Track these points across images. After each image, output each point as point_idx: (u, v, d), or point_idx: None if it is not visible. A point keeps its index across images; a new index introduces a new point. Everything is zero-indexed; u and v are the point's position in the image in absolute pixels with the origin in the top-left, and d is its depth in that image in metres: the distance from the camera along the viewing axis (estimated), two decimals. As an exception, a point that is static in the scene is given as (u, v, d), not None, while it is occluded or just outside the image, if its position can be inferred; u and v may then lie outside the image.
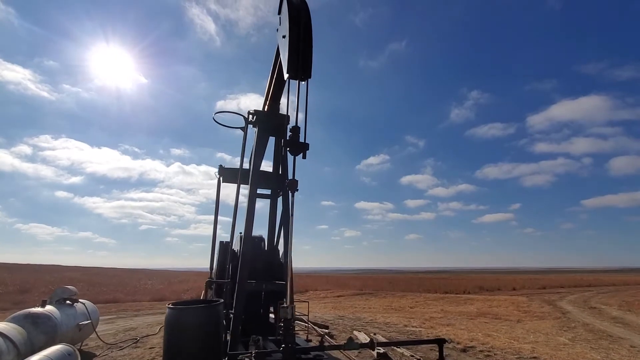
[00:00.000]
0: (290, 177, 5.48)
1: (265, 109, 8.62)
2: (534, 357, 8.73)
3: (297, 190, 5.41)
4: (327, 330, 11.60)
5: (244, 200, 7.89)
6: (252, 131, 8.59)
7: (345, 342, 4.99)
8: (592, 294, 31.21)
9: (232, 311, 6.61)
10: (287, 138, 5.47)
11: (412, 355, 8.21)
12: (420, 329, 12.93)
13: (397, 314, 17.58)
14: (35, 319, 7.01)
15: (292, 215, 5.41)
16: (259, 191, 8.78)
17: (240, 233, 7.90)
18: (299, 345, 6.58)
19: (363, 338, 10.50)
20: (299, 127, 5.47)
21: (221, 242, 8.94)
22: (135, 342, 9.88)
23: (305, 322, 11.73)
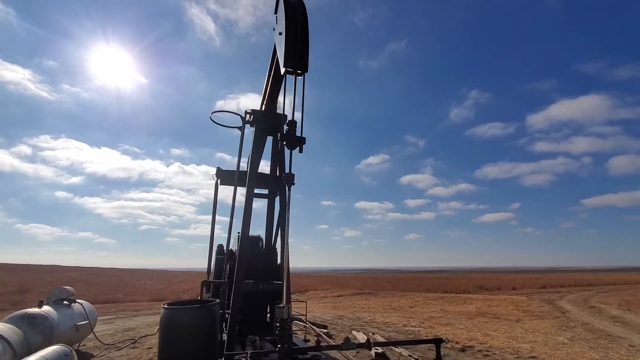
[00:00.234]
0: (287, 171, 5.55)
1: (263, 109, 8.61)
2: (533, 357, 8.72)
3: (294, 184, 5.46)
4: (325, 330, 11.59)
5: (242, 200, 7.87)
6: (250, 131, 8.59)
7: (342, 342, 4.97)
8: (592, 293, 31.20)
9: (229, 311, 6.60)
10: (284, 132, 5.56)
11: (410, 355, 8.19)
12: (419, 328, 12.91)
13: (397, 314, 17.56)
14: (31, 319, 6.99)
15: (288, 209, 5.42)
16: (257, 190, 8.76)
17: (238, 233, 7.89)
18: (296, 345, 6.58)
19: (362, 338, 10.47)
20: (296, 121, 5.56)
21: (219, 245, 8.94)
22: (133, 343, 9.87)
23: (303, 322, 11.72)
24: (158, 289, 31.08)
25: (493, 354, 9.03)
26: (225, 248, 8.32)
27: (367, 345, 5.12)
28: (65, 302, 8.51)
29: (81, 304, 8.97)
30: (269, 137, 8.66)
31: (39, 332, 6.91)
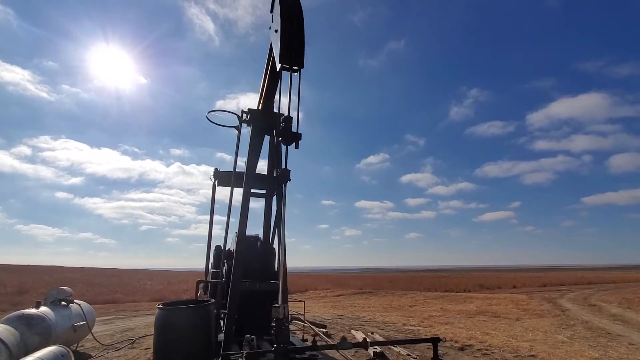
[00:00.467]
0: (286, 168, 5.56)
1: (260, 108, 8.59)
2: (532, 355, 8.70)
3: (289, 179, 5.48)
4: (324, 330, 11.57)
5: (240, 200, 7.84)
6: (248, 131, 8.56)
7: (339, 341, 4.96)
8: (593, 292, 31.16)
9: (225, 311, 6.58)
10: (280, 128, 5.58)
11: (409, 354, 8.17)
12: (419, 327, 12.89)
13: (396, 313, 17.55)
14: (29, 320, 6.97)
15: (284, 206, 5.41)
16: (254, 190, 8.74)
17: (236, 232, 7.87)
18: (294, 345, 6.56)
19: (360, 337, 10.46)
20: (292, 117, 5.58)
21: (217, 246, 8.92)
22: (132, 343, 9.85)
23: (302, 322, 11.70)
24: (158, 289, 31.09)
25: (492, 352, 9.01)
26: (223, 248, 8.30)
27: (364, 344, 5.10)
28: (63, 302, 8.49)
29: (79, 305, 8.94)
30: (266, 136, 8.64)
31: (36, 333, 6.89)
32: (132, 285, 33.94)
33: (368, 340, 9.85)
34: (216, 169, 8.95)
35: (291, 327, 12.03)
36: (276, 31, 6.09)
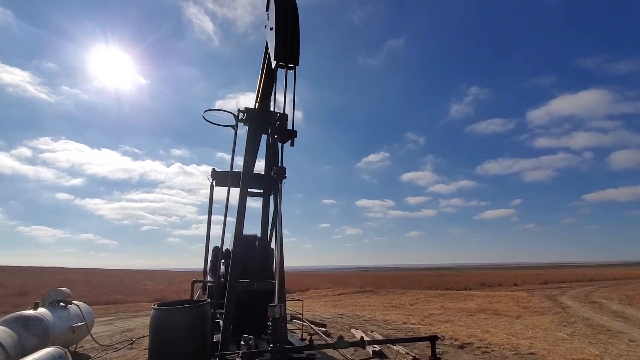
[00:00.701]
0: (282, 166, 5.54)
1: (256, 107, 8.56)
2: (532, 353, 8.67)
3: (285, 177, 5.45)
4: (324, 329, 11.55)
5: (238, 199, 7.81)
6: (245, 130, 8.53)
7: (335, 340, 4.93)
8: (594, 289, 31.12)
9: (222, 311, 6.56)
10: (275, 126, 5.57)
11: (408, 353, 8.15)
12: (419, 326, 12.87)
13: (397, 311, 17.53)
14: (26, 321, 6.95)
15: (280, 203, 5.39)
16: (252, 190, 8.70)
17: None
18: (292, 345, 6.53)
19: (360, 336, 10.44)
20: (287, 115, 5.58)
21: (216, 247, 8.89)
22: (131, 344, 9.84)
23: (301, 321, 11.69)
24: (159, 289, 31.11)
25: (492, 350, 8.99)
26: (220, 247, 8.28)
27: (361, 343, 5.07)
28: (61, 303, 8.48)
29: (77, 306, 8.93)
30: (263, 135, 8.61)
31: (33, 334, 6.87)
32: (132, 285, 33.95)
33: (367, 338, 9.84)
34: (214, 169, 8.91)
35: (291, 327, 12.02)
36: (271, 29, 6.08)
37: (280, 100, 6.38)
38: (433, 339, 5.47)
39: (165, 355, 5.20)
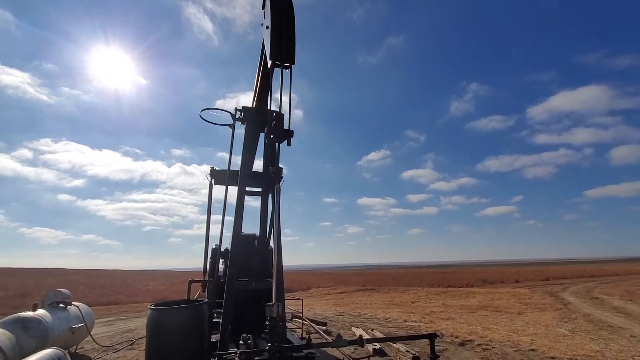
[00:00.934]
0: (277, 166, 5.51)
1: (254, 105, 8.53)
2: (532, 349, 8.65)
3: (282, 177, 5.43)
4: (324, 327, 11.54)
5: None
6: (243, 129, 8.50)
7: (334, 338, 4.92)
8: (595, 285, 31.08)
9: (221, 310, 6.55)
10: (272, 126, 5.52)
11: (408, 351, 8.14)
12: (420, 323, 12.87)
13: (398, 309, 17.52)
14: (25, 323, 6.94)
15: (278, 204, 5.35)
16: (250, 188, 8.68)
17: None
18: (292, 343, 6.52)
19: (361, 334, 10.43)
20: (283, 114, 5.53)
21: (215, 246, 8.87)
22: (131, 344, 9.85)
23: (302, 320, 11.68)
24: (161, 289, 31.16)
25: (492, 347, 8.98)
26: (218, 247, 8.26)
27: (359, 341, 5.05)
28: (60, 305, 8.47)
29: (77, 307, 8.92)
30: (261, 134, 8.58)
31: (32, 336, 6.86)
32: (134, 286, 34.00)
33: (367, 336, 9.83)
34: (212, 168, 8.88)
35: (291, 326, 12.02)
36: (267, 28, 6.02)
37: (277, 100, 6.34)
38: (432, 337, 5.45)
39: (162, 355, 5.19)
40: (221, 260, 8.65)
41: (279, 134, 5.47)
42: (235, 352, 4.71)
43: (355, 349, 8.45)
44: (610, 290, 24.90)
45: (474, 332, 10.75)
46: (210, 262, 8.63)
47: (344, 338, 5.18)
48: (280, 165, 5.51)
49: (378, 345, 8.49)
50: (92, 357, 8.73)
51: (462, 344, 9.36)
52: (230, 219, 7.85)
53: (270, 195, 8.63)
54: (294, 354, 5.78)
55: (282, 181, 6.48)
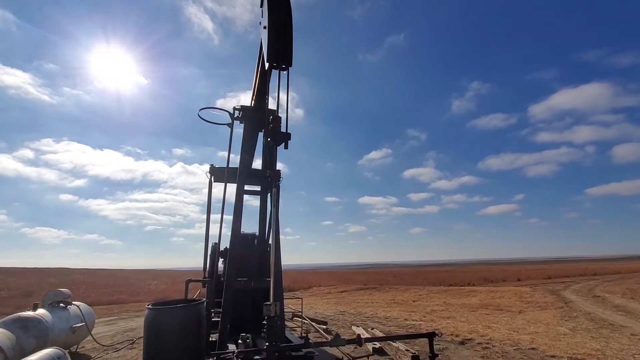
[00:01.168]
0: (274, 169, 5.47)
1: (252, 104, 8.53)
2: (533, 348, 8.63)
3: (281, 179, 5.41)
4: (324, 326, 11.55)
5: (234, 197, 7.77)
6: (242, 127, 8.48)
7: (332, 338, 4.92)
8: (597, 283, 31.03)
9: (219, 309, 6.55)
10: (269, 128, 5.47)
11: (407, 350, 8.13)
12: (420, 322, 12.86)
13: (399, 308, 17.52)
14: (24, 323, 6.96)
15: (277, 206, 5.33)
16: (249, 187, 8.67)
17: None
18: (291, 342, 6.52)
19: (361, 333, 10.43)
20: (281, 117, 5.50)
21: (215, 244, 8.85)
22: (132, 343, 9.87)
23: (303, 319, 11.69)
24: (162, 288, 31.25)
25: (493, 346, 8.96)
26: (217, 245, 8.25)
27: (358, 341, 5.05)
28: (61, 304, 8.50)
29: (78, 306, 8.95)
30: (260, 133, 8.56)
31: (32, 335, 6.88)
32: (136, 285, 34.09)
33: (367, 335, 9.82)
34: (212, 165, 8.83)
35: (292, 325, 12.03)
36: (265, 28, 5.99)
37: (274, 102, 6.32)
38: (431, 336, 5.45)
39: (159, 355, 5.19)
40: (221, 260, 8.64)
41: (276, 137, 5.43)
42: (233, 352, 4.71)
43: (355, 347, 8.44)
44: (612, 288, 24.85)
45: (475, 331, 10.73)
46: (210, 260, 8.61)
47: (342, 337, 5.18)
48: (279, 166, 5.48)
49: (378, 344, 8.49)
50: (93, 356, 8.75)
51: (462, 343, 9.36)
52: (229, 217, 7.84)
53: (269, 195, 8.61)
54: (293, 353, 5.78)
55: (281, 179, 6.46)
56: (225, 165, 8.31)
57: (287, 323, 11.95)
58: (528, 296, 21.03)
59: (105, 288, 30.64)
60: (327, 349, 7.84)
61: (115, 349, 9.35)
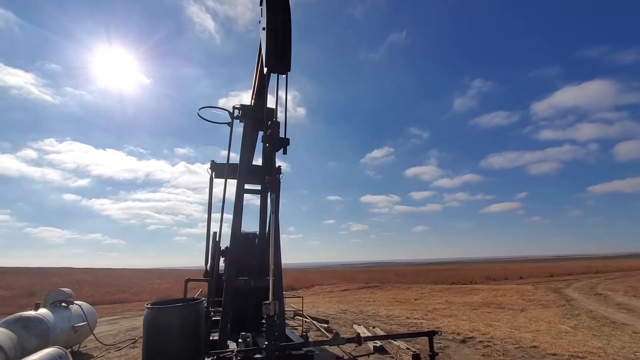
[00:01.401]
0: (274, 175, 5.42)
1: (252, 104, 8.52)
2: (534, 346, 8.62)
3: (282, 174, 5.35)
4: (326, 325, 11.56)
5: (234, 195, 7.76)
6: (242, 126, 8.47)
7: (331, 336, 4.92)
8: (600, 281, 30.95)
9: (219, 308, 6.56)
10: (267, 134, 5.35)
11: (408, 348, 8.13)
12: (422, 320, 12.85)
13: (401, 306, 17.51)
14: (26, 322, 6.99)
15: (274, 212, 5.30)
16: (250, 186, 8.66)
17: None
18: (291, 341, 6.53)
19: (362, 331, 10.44)
20: (279, 122, 5.37)
21: (216, 242, 8.83)
22: (134, 342, 9.90)
23: (304, 317, 11.70)
24: (165, 287, 31.34)
25: (494, 344, 8.95)
26: (218, 244, 8.25)
27: (358, 339, 5.05)
28: (63, 304, 8.53)
29: (80, 306, 8.98)
30: (260, 132, 8.55)
31: (33, 335, 6.91)
32: (140, 284, 34.20)
33: (368, 334, 9.83)
34: (213, 161, 8.78)
35: (293, 323, 12.05)
36: (264, 28, 5.82)
37: (272, 107, 6.24)
38: (431, 335, 5.44)
39: (158, 354, 5.21)
40: (222, 259, 8.65)
41: (274, 143, 5.30)
42: (233, 351, 4.72)
43: (356, 346, 8.45)
44: (615, 286, 24.78)
45: (476, 329, 10.72)
46: (210, 256, 8.59)
47: (342, 336, 5.19)
48: (279, 164, 5.43)
49: (379, 343, 8.49)
50: (95, 355, 8.79)
51: (463, 341, 9.35)
52: (228, 216, 7.82)
53: (269, 194, 8.60)
54: (293, 352, 5.79)
55: (281, 175, 6.43)
56: (233, 163, 8.27)
57: (288, 322, 11.97)
58: (530, 294, 21.00)
59: (108, 287, 30.74)
60: (328, 347, 7.85)
61: (117, 348, 9.39)
